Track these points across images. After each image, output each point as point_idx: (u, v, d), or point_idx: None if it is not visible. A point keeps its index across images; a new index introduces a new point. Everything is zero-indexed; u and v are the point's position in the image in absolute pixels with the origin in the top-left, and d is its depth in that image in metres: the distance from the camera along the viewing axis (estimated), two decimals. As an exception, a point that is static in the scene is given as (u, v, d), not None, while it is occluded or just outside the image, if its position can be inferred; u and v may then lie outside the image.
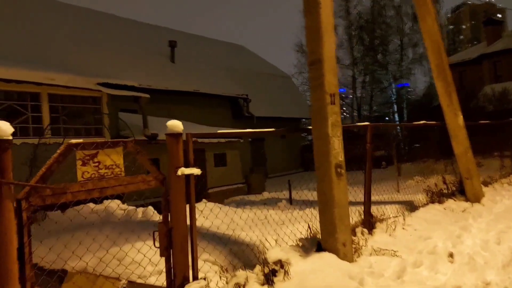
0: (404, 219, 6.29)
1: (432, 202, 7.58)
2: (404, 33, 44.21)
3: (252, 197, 13.57)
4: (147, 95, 11.35)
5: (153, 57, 17.22)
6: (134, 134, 11.24)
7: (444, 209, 7.34)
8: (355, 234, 5.52)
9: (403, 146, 34.08)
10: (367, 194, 5.85)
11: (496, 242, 5.56)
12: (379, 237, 5.71)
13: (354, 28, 37.64)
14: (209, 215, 7.27)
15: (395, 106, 42.08)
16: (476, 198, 7.88)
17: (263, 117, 21.32)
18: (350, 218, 6.14)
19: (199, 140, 10.64)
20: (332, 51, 4.56)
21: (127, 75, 14.65)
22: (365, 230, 5.63)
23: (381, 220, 6.07)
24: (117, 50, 15.94)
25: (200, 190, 12.06)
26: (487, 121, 10.03)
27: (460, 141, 7.58)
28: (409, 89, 54.92)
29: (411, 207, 7.90)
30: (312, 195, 10.67)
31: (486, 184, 9.63)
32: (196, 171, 3.78)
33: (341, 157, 4.58)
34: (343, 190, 4.56)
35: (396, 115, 42.53)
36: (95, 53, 14.42)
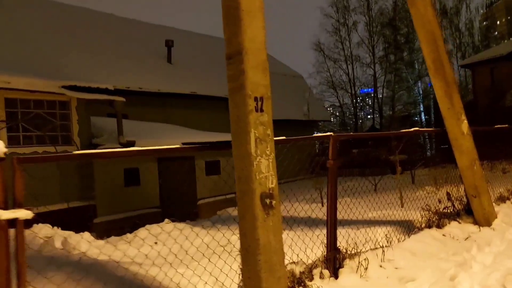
0: (383, 253, 5.01)
1: (429, 226, 6.24)
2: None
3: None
4: (122, 99, 10.38)
5: (148, 58, 16.31)
6: (107, 142, 10.30)
7: (443, 235, 5.98)
8: (311, 278, 4.30)
9: (430, 149, 32.21)
10: (331, 223, 4.61)
11: (499, 291, 4.24)
12: (346, 281, 4.46)
13: (376, 25, 35.95)
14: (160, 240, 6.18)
15: (422, 106, 40.10)
16: (485, 220, 6.48)
17: (274, 119, 20.12)
18: (316, 252, 4.96)
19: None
20: (259, 40, 3.38)
21: (115, 78, 13.79)
22: (326, 272, 4.39)
23: (352, 256, 4.80)
24: (106, 50, 15.10)
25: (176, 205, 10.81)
26: (505, 125, 8.54)
27: (464, 151, 6.21)
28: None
29: (408, 229, 6.59)
30: (309, 208, 9.43)
31: (502, 199, 8.16)
32: (23, 214, 2.50)
33: (272, 183, 3.39)
34: (274, 229, 3.35)
35: (423, 115, 40.52)
36: (75, 54, 13.57)
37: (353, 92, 36.87)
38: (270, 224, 3.32)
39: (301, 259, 4.53)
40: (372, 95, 38.55)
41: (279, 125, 19.84)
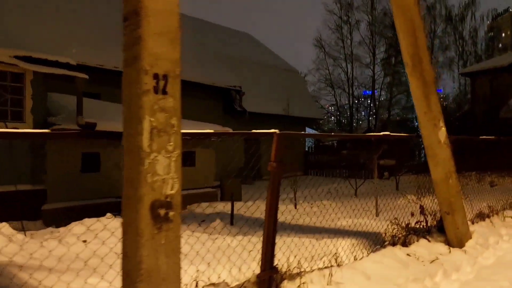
0: (331, 274, 4.29)
1: (394, 243, 5.53)
2: (435, 35, 41.47)
3: (219, 206, 11.71)
4: (84, 75, 9.60)
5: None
6: (64, 122, 9.54)
7: (408, 255, 5.27)
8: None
9: (425, 155, 31.45)
10: (268, 237, 3.88)
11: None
12: (278, 307, 3.76)
13: (378, 25, 35.11)
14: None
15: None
16: (458, 241, 5.79)
17: (259, 113, 19.37)
18: (250, 269, 4.23)
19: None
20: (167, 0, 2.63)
21: (89, 53, 13.00)
22: (255, 296, 3.68)
23: (293, 276, 4.08)
24: (83, 23, 14.23)
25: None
26: (491, 137, 7.82)
27: (439, 162, 5.50)
28: (442, 95, 52.02)
29: (374, 243, 5.89)
30: (279, 211, 8.72)
31: (482, 217, 7.46)
32: None
33: (172, 189, 2.65)
34: (168, 249, 2.60)
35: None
36: (43, 25, 12.70)
37: (350, 92, 36.12)
38: (161, 242, 2.56)
39: (224, 280, 3.80)
40: (369, 97, 37.80)
41: (267, 120, 19.16)
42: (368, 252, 5.27)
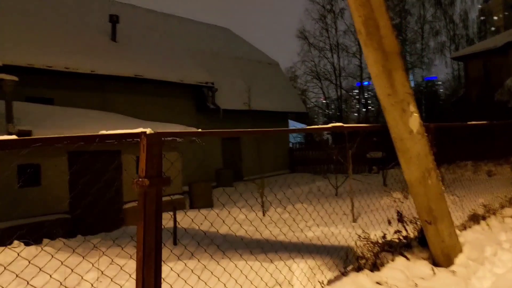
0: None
1: (359, 268, 4.25)
2: (425, 21, 40.24)
3: (185, 215, 10.40)
4: (14, 78, 8.32)
5: (87, 34, 14.16)
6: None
7: (377, 284, 4.01)
8: None
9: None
10: (148, 277, 2.58)
11: None
12: None
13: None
14: None
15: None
16: (445, 257, 4.53)
17: (236, 110, 18.04)
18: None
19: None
20: None
21: (36, 54, 11.72)
22: None
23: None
24: (33, 22, 12.94)
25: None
26: (482, 122, 6.55)
27: (412, 158, 4.24)
28: (438, 83, 50.73)
29: (341, 262, 4.63)
30: (245, 219, 7.48)
31: (476, 219, 6.18)
32: None
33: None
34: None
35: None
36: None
37: (338, 83, 34.83)
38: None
39: None
40: (358, 88, 36.48)
41: (245, 117, 17.86)
42: (325, 283, 4.00)
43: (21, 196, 8.68)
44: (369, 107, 38.20)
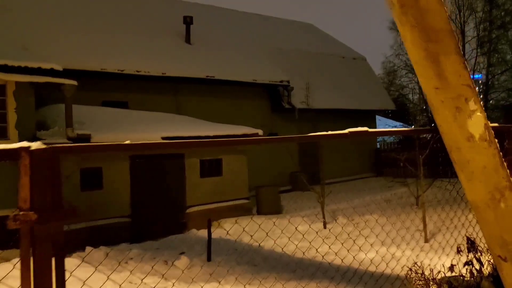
0: None
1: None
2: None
3: (246, 222, 9.94)
4: (72, 82, 8.42)
5: (161, 36, 14.28)
6: (55, 135, 8.43)
7: None
8: None
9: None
10: None
11: None
12: None
13: (467, -2, 30.37)
14: None
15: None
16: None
17: (317, 109, 17.07)
18: None
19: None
20: None
21: (115, 59, 12.02)
22: None
23: None
24: (106, 27, 13.33)
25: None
26: None
27: (475, 173, 3.15)
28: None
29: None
30: (306, 229, 6.75)
31: None
32: None
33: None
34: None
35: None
36: (64, 30, 11.92)
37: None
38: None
39: None
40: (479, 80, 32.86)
41: (330, 116, 16.80)
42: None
43: (84, 199, 8.78)
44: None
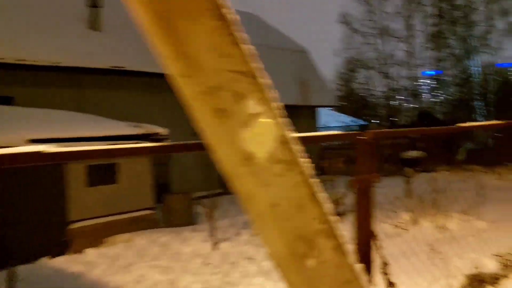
0: None
1: None
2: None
3: (138, 240, 8.59)
4: None
5: (60, 23, 12.54)
6: None
7: None
8: None
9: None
10: None
11: None
12: None
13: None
14: None
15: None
16: None
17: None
18: None
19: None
20: None
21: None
22: None
23: None
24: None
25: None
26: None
27: (265, 212, 1.87)
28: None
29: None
30: None
31: None
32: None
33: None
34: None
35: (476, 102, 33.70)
36: None
37: (385, 72, 31.48)
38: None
39: None
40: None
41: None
42: None
43: None
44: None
